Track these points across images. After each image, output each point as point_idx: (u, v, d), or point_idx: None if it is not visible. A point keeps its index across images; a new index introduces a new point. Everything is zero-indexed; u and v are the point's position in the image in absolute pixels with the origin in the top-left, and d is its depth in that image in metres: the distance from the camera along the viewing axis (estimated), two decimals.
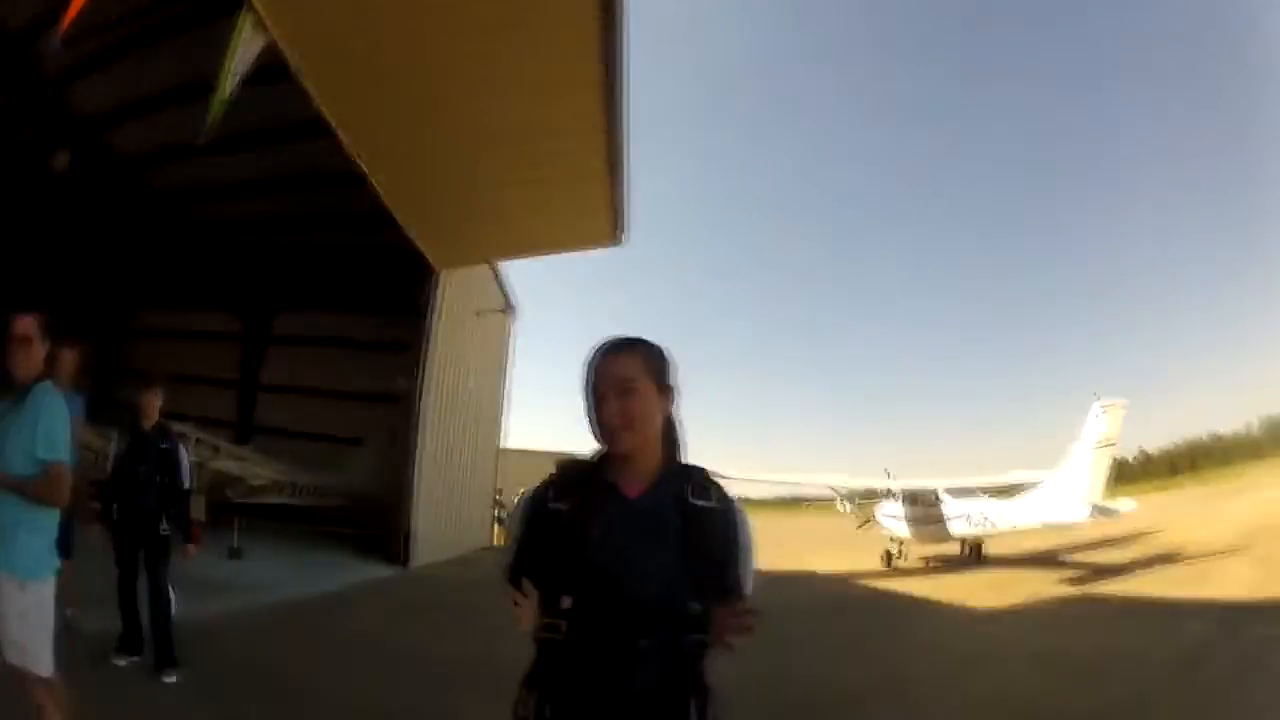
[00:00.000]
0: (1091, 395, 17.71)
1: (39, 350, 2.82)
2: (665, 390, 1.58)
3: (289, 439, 13.44)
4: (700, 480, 1.56)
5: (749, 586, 1.59)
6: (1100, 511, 17.46)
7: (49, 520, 2.78)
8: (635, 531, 1.48)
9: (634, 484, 1.53)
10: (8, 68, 9.28)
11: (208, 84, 6.38)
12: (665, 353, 1.61)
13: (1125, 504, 20.21)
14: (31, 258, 13.95)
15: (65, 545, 5.00)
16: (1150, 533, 21.85)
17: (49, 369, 2.93)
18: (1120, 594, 13.14)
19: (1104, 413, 17.55)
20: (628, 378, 1.52)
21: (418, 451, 11.28)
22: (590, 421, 1.56)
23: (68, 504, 2.81)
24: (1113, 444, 17.98)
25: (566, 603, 1.43)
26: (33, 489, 2.67)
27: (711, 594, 1.50)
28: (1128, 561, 17.45)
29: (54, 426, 2.72)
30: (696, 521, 1.50)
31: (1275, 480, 32.88)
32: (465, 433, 13.00)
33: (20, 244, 13.49)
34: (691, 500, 1.51)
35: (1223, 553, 16.57)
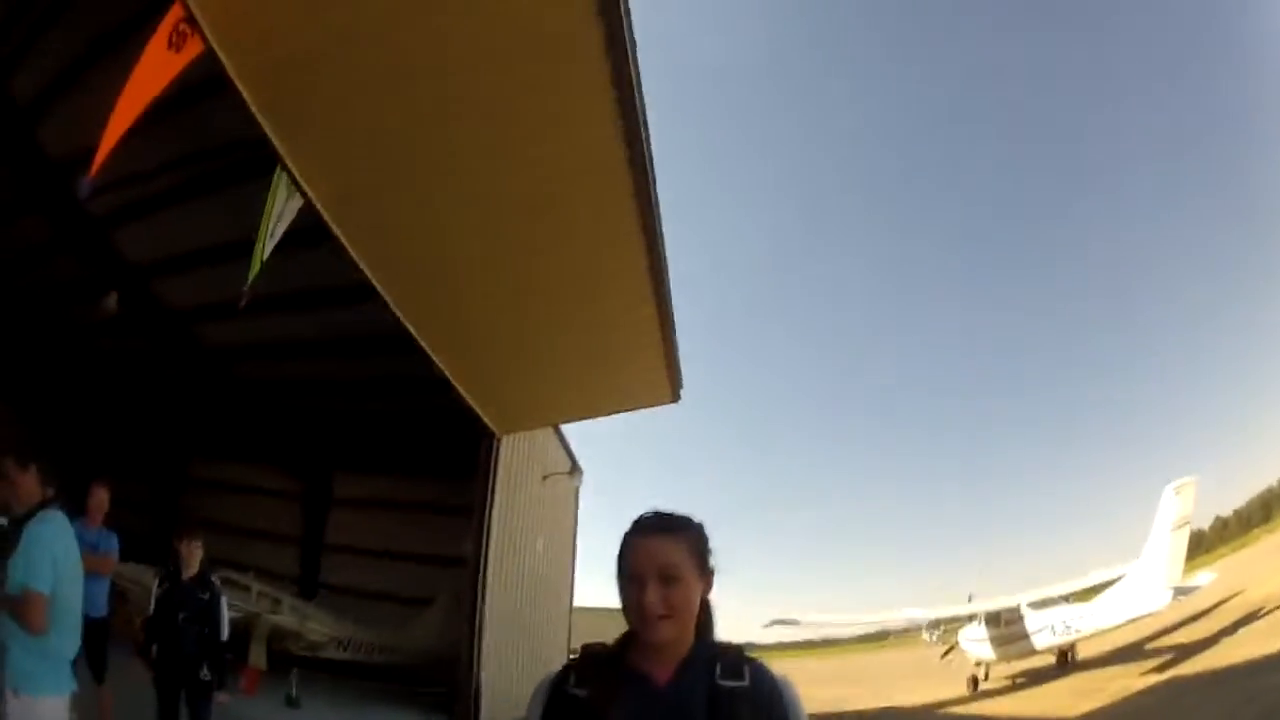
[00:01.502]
0: (1164, 481, 17.20)
1: (23, 481, 3.09)
2: (706, 575, 1.49)
3: (356, 598, 13.45)
4: (733, 659, 1.43)
5: None
6: (1180, 592, 16.89)
7: (40, 642, 2.91)
8: None
9: (662, 669, 1.42)
10: (54, 201, 9.57)
11: (250, 242, 6.35)
12: (706, 532, 1.51)
13: (1204, 578, 19.66)
14: (85, 400, 14.46)
15: (99, 670, 5.28)
16: (1231, 597, 21.31)
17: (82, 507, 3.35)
18: (1205, 669, 12.66)
19: (1176, 494, 17.14)
20: (672, 564, 1.41)
21: (484, 612, 11.15)
22: (625, 605, 1.44)
23: (41, 631, 2.90)
24: (1188, 523, 17.46)
25: None
26: (13, 611, 2.86)
27: None
28: (1211, 634, 16.89)
29: (31, 555, 2.90)
30: (727, 705, 1.37)
31: None
32: (535, 593, 12.86)
33: (72, 385, 14.00)
34: (720, 682, 1.39)
35: None
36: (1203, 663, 14.08)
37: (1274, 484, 50.45)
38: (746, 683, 1.41)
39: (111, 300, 11.37)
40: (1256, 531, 40.29)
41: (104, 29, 6.96)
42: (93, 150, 5.05)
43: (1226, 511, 53.66)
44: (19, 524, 3.03)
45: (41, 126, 8.60)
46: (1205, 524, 48.63)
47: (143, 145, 6.15)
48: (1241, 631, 16.38)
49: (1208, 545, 39.43)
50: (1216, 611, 20.27)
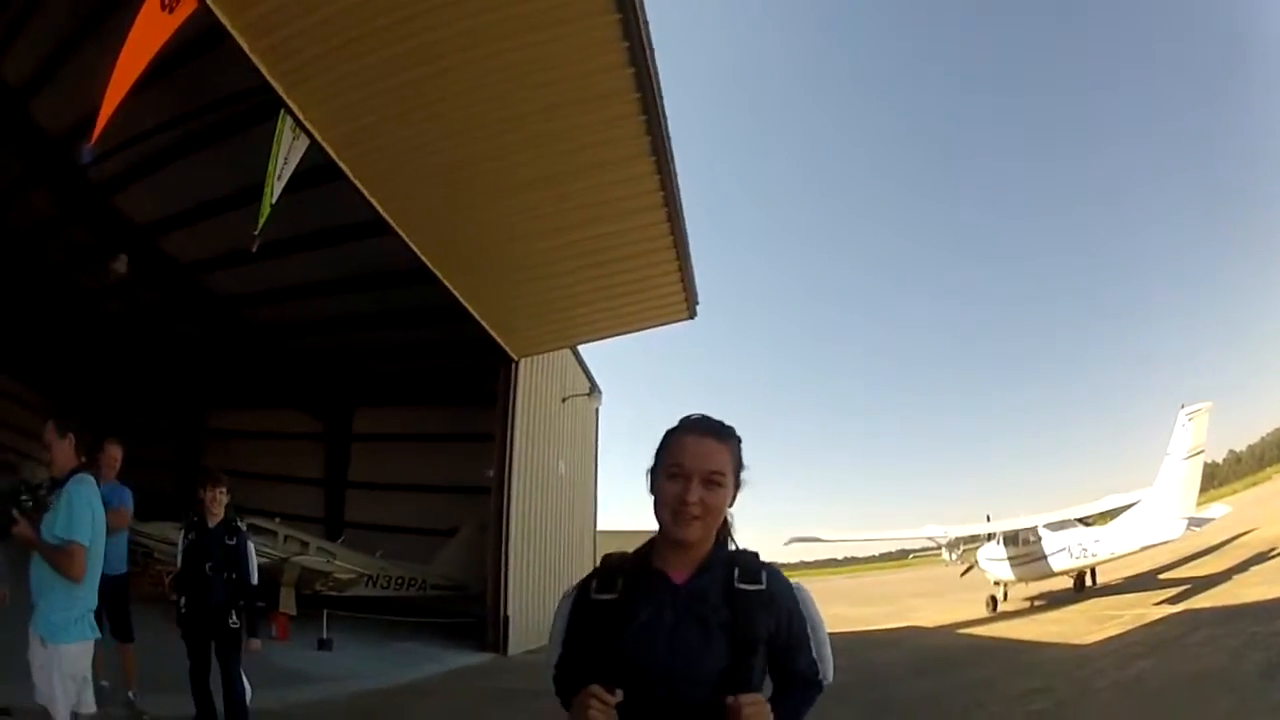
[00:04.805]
0: (1178, 405, 17.15)
1: (59, 447, 3.31)
2: (738, 485, 1.53)
3: (383, 533, 13.63)
4: (750, 564, 1.49)
5: (827, 670, 1.52)
6: (1194, 523, 16.94)
7: (70, 594, 3.19)
8: (682, 618, 1.42)
9: (681, 570, 1.47)
10: (56, 174, 9.67)
11: (253, 189, 6.48)
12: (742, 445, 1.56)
13: (1218, 510, 19.68)
14: (105, 360, 14.60)
15: (124, 629, 5.39)
16: (1246, 532, 21.38)
17: (94, 463, 3.45)
18: (1219, 604, 12.77)
19: (1190, 420, 17.08)
20: (718, 468, 1.46)
21: (509, 538, 11.32)
22: (659, 499, 1.47)
23: (80, 579, 3.18)
24: (1201, 451, 17.49)
25: (618, 696, 1.36)
26: (54, 559, 3.14)
27: (779, 681, 1.47)
28: (1225, 569, 16.96)
29: (73, 510, 3.17)
30: (745, 606, 1.43)
31: None
32: (559, 517, 13.04)
33: (92, 347, 14.13)
34: (738, 585, 1.45)
35: None
36: (1214, 598, 14.20)
37: None
38: (763, 586, 1.46)
39: (121, 263, 11.44)
40: (1270, 470, 40.24)
41: (93, 2, 6.89)
42: (91, 120, 5.11)
43: (1240, 446, 53.71)
44: (55, 487, 3.28)
45: (37, 104, 8.59)
46: (1219, 457, 48.63)
47: (140, 107, 6.15)
48: (1253, 570, 16.48)
49: (1221, 479, 39.45)
50: (1229, 547, 20.38)
